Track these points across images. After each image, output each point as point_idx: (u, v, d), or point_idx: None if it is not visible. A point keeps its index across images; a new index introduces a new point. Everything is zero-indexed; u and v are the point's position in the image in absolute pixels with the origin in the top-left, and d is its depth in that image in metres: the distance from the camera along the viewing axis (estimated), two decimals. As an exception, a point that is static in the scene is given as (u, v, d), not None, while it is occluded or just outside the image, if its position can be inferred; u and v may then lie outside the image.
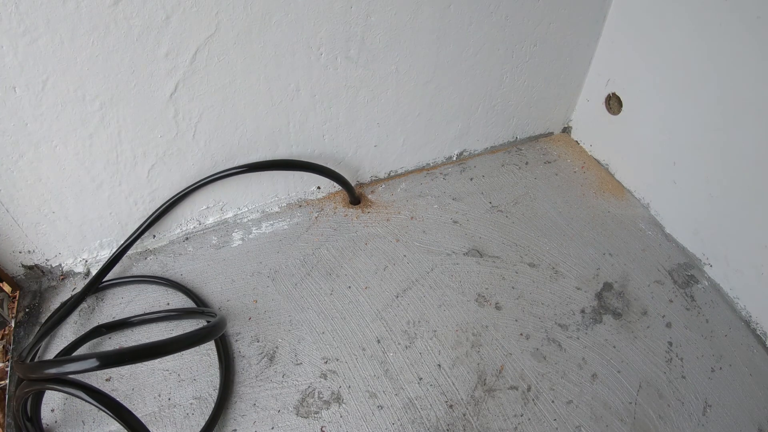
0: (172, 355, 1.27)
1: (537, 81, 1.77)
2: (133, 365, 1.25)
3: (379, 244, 1.58)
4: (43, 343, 1.28)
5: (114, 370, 1.24)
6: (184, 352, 1.28)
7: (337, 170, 1.57)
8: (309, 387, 1.24)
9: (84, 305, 1.37)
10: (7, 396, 1.19)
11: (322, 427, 1.18)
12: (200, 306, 1.36)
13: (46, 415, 1.17)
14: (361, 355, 1.31)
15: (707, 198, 1.51)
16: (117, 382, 1.23)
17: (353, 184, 1.74)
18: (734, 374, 1.34)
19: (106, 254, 1.47)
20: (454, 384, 1.26)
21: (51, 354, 1.27)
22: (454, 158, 1.88)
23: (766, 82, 1.25)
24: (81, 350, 1.27)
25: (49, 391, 1.17)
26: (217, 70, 1.23)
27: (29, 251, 1.36)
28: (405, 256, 1.55)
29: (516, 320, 1.41)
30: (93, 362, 0.90)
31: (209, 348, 1.30)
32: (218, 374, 1.24)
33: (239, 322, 1.36)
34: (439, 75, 1.56)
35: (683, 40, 1.44)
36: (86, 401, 0.92)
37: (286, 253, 1.54)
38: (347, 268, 1.51)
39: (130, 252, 1.49)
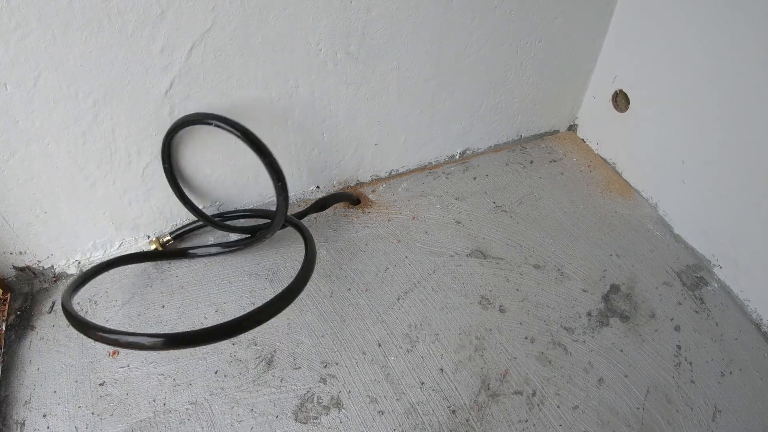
0: (167, 360, 1.25)
1: (542, 78, 1.74)
2: (129, 370, 1.23)
3: (380, 245, 1.55)
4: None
5: (107, 374, 1.22)
6: (179, 357, 1.26)
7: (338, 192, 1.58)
8: (308, 392, 1.22)
9: (77, 307, 1.35)
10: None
11: (321, 433, 1.15)
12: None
13: (38, 420, 1.14)
14: (361, 359, 1.28)
15: (717, 198, 1.48)
16: (111, 386, 1.20)
17: (353, 183, 1.72)
18: (745, 379, 1.31)
19: (99, 255, 1.45)
20: (456, 389, 1.24)
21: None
22: (457, 157, 1.86)
23: (780, 78, 1.23)
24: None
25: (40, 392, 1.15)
26: (214, 66, 1.21)
27: (20, 252, 1.33)
28: (406, 257, 1.52)
29: (520, 323, 1.38)
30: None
31: (205, 352, 1.27)
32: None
33: (237, 325, 1.33)
34: (442, 71, 1.53)
35: (692, 36, 1.41)
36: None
37: (285, 254, 1.51)
38: (347, 269, 1.48)
39: (124, 254, 1.47)
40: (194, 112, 1.25)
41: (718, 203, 1.48)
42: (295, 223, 1.41)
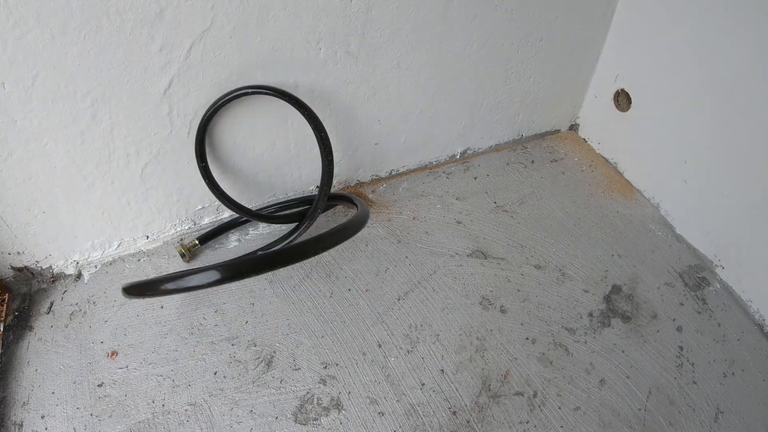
0: (166, 361, 1.24)
1: (543, 77, 1.73)
2: (128, 371, 1.22)
3: (380, 245, 1.54)
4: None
5: (106, 375, 1.21)
6: (178, 358, 1.25)
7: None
8: (308, 393, 1.21)
9: (76, 308, 1.34)
10: (-4, 402, 1.16)
11: (321, 434, 1.14)
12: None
13: (36, 421, 1.13)
14: (361, 359, 1.27)
15: (719, 198, 1.47)
16: (109, 387, 1.19)
17: (353, 183, 1.72)
18: (747, 380, 1.30)
19: (98, 255, 1.44)
20: (457, 390, 1.23)
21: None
22: (458, 157, 1.84)
23: (783, 77, 1.22)
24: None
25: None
26: (213, 65, 1.20)
27: (19, 252, 1.33)
28: (407, 257, 1.51)
29: (522, 324, 1.37)
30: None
31: (204, 353, 1.26)
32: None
33: (235, 326, 1.32)
34: (442, 71, 1.52)
35: (695, 34, 1.40)
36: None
37: (285, 254, 1.50)
38: (347, 269, 1.47)
39: (122, 254, 1.47)
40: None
41: (720, 203, 1.47)
42: (342, 195, 1.48)
